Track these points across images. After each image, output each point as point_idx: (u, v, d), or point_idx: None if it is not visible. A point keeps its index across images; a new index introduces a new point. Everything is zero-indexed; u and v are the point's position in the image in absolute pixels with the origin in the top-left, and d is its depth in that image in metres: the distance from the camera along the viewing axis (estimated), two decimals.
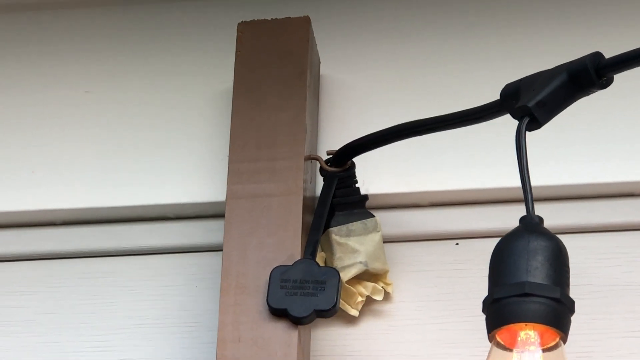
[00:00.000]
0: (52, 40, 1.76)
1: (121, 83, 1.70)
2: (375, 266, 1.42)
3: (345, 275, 1.39)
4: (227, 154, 1.50)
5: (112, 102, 1.69)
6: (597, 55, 1.22)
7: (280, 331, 1.34)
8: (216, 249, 1.49)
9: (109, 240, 1.60)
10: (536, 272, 1.16)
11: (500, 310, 1.15)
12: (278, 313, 1.34)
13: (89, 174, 1.63)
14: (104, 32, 1.78)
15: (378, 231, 1.45)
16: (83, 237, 1.61)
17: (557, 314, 1.15)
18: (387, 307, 1.45)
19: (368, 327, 1.45)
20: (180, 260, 1.55)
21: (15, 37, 1.79)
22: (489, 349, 1.17)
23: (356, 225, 1.45)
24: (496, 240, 1.20)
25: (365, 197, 1.50)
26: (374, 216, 1.47)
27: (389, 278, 1.45)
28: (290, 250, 1.40)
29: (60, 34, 1.77)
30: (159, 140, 1.63)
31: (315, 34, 1.60)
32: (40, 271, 1.61)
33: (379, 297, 1.43)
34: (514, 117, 1.23)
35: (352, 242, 1.43)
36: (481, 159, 1.52)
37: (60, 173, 1.65)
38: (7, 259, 1.63)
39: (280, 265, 1.36)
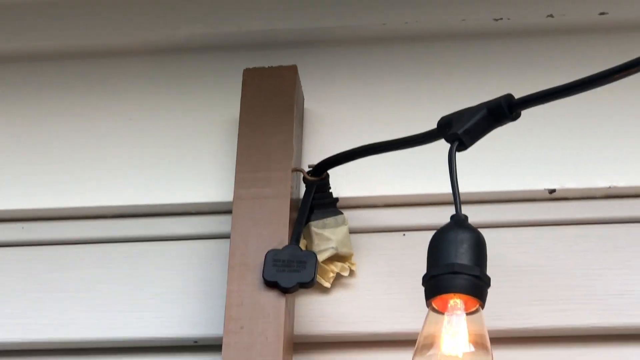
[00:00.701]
0: (107, 83, 1.72)
1: (156, 113, 1.68)
2: (343, 250, 1.44)
3: (321, 257, 1.41)
4: (235, 167, 1.50)
5: (149, 127, 1.67)
6: (509, 96, 1.24)
7: (273, 298, 1.36)
8: (225, 236, 1.48)
9: (147, 230, 1.60)
10: (462, 256, 1.19)
11: (435, 284, 1.18)
12: (271, 285, 1.36)
13: (133, 180, 1.62)
14: (145, 76, 1.74)
15: (345, 225, 1.47)
16: (128, 227, 1.61)
17: (477, 287, 1.18)
18: (351, 281, 1.46)
19: (337, 295, 1.45)
20: (199, 244, 1.55)
21: (84, 82, 1.74)
22: (426, 313, 1.19)
23: (329, 220, 1.46)
24: (433, 232, 1.22)
25: (336, 199, 1.51)
26: (342, 213, 1.48)
27: (353, 260, 1.46)
28: (281, 238, 1.41)
29: (110, 79, 1.74)
30: (184, 156, 1.63)
31: (300, 78, 1.59)
32: (94, 253, 1.60)
33: (345, 274, 1.44)
34: (447, 141, 1.24)
35: (326, 232, 1.45)
36: (422, 171, 1.50)
37: (113, 179, 1.63)
38: (69, 243, 1.60)
39: (273, 249, 1.37)
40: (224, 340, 1.34)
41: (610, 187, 1.50)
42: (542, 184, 1.52)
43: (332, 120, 1.62)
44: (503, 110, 1.24)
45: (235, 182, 1.48)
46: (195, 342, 1.46)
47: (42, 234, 1.62)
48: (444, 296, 1.19)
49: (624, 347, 1.42)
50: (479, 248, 1.21)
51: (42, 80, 1.76)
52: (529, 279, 1.44)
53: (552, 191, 1.50)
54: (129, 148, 1.66)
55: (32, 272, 1.59)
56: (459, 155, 1.23)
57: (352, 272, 1.45)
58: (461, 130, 1.23)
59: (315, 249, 1.43)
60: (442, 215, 1.27)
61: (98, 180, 1.65)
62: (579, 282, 1.43)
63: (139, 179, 1.63)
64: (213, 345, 1.43)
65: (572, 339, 1.42)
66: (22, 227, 1.62)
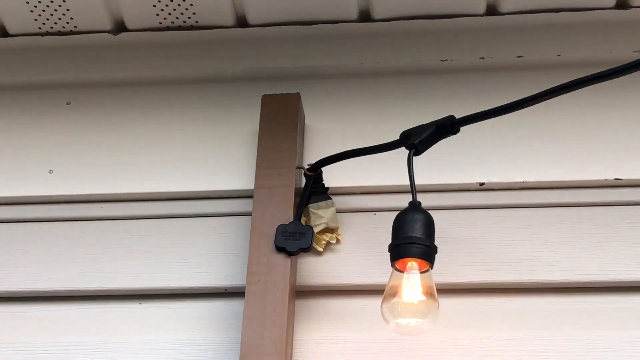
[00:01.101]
0: (161, 108, 1.77)
1: (199, 126, 1.72)
2: (332, 225, 1.54)
3: (316, 229, 1.51)
4: (255, 165, 1.57)
5: (194, 136, 1.71)
6: (452, 117, 1.35)
7: (281, 259, 1.45)
8: (248, 214, 1.56)
9: (192, 209, 1.65)
10: (417, 231, 1.29)
11: (398, 251, 1.30)
12: (280, 249, 1.46)
13: (181, 174, 1.67)
14: (191, 98, 1.77)
15: (334, 207, 1.56)
16: (179, 207, 1.66)
17: (428, 254, 1.30)
18: (338, 247, 1.55)
19: (327, 257, 1.55)
20: (229, 220, 1.61)
21: (151, 105, 1.77)
22: (391, 271, 1.32)
23: (322, 203, 1.55)
24: (396, 213, 1.34)
25: (327, 188, 1.58)
26: (331, 198, 1.57)
27: (339, 232, 1.55)
28: (288, 216, 1.50)
29: (168, 102, 1.77)
30: (219, 156, 1.67)
31: (302, 102, 1.65)
32: (154, 227, 1.65)
33: (333, 242, 1.54)
34: (407, 148, 1.36)
35: (320, 212, 1.54)
36: (388, 169, 1.55)
37: (169, 173, 1.68)
38: (136, 218, 1.66)
39: (282, 224, 1.48)
40: (246, 288, 1.43)
41: (523, 181, 1.58)
42: (475, 179, 1.60)
43: (325, 132, 1.69)
44: (447, 127, 1.35)
45: (255, 175, 1.56)
46: (226, 290, 1.54)
47: (117, 211, 1.67)
48: (404, 260, 1.31)
49: (532, 298, 1.51)
50: (429, 225, 1.32)
51: (124, 102, 1.77)
52: (465, 247, 1.53)
53: (482, 184, 1.59)
54: (179, 151, 1.70)
55: (108, 239, 1.64)
56: (415, 158, 1.35)
57: (338, 241, 1.55)
58: (417, 141, 1.34)
59: (312, 224, 1.53)
60: (403, 201, 1.38)
61: (157, 174, 1.68)
62: (500, 250, 1.53)
63: (186, 173, 1.67)
64: (238, 292, 1.51)
65: (495, 290, 1.52)
66: (102, 207, 1.66)
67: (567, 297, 1.52)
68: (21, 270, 1.64)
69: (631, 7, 1.70)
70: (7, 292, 1.62)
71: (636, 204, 1.58)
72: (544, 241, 1.55)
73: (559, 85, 1.27)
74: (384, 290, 1.39)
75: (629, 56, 1.57)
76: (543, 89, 1.29)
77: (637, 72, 1.20)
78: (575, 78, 1.25)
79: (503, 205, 1.59)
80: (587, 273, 1.52)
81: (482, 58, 1.71)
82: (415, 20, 1.75)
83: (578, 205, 1.59)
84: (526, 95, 1.32)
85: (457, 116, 1.37)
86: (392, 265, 1.34)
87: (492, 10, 1.73)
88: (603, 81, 1.23)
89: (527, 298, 1.52)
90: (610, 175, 1.58)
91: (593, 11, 1.71)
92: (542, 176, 1.60)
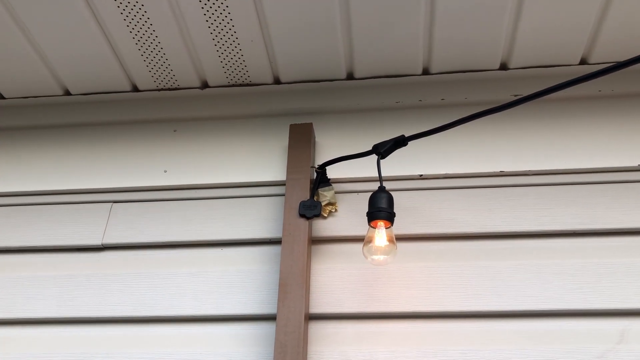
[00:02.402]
0: (231, 135, 1.67)
1: (256, 142, 1.64)
2: (332, 201, 1.50)
3: (323, 204, 1.48)
4: (286, 166, 1.52)
5: (253, 150, 1.63)
6: (403, 135, 1.33)
7: (302, 221, 1.42)
8: (282, 195, 1.53)
9: (247, 192, 1.57)
10: (383, 203, 1.29)
11: (372, 215, 1.29)
12: (302, 216, 1.43)
13: (241, 172, 1.60)
14: (254, 131, 1.68)
15: (333, 190, 1.51)
16: (243, 191, 1.57)
17: (390, 217, 1.29)
18: (336, 214, 1.50)
19: (330, 220, 1.49)
20: (270, 199, 1.54)
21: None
22: (367, 228, 1.31)
23: (326, 188, 1.51)
24: (370, 193, 1.32)
25: (329, 179, 1.53)
26: (332, 185, 1.52)
27: (337, 205, 1.51)
28: (306, 195, 1.46)
29: (231, 133, 1.68)
30: (264, 160, 1.59)
31: (314, 127, 1.61)
32: (218, 205, 1.57)
33: (334, 211, 1.50)
34: (377, 155, 1.34)
35: (325, 193, 1.50)
36: (366, 167, 1.47)
37: (230, 170, 1.61)
38: (209, 198, 1.58)
39: (303, 200, 1.45)
40: (282, 239, 1.40)
41: (446, 173, 1.52)
42: (416, 172, 1.54)
43: (327, 146, 1.62)
44: (400, 142, 1.34)
45: (287, 172, 1.51)
46: (270, 240, 1.49)
47: (212, 194, 1.58)
48: (376, 221, 1.30)
49: (452, 243, 1.45)
50: (390, 200, 1.31)
51: (209, 131, 1.69)
52: (410, 213, 1.49)
53: (421, 175, 1.54)
54: (244, 159, 1.62)
55: (203, 208, 1.56)
56: (383, 161, 1.35)
57: (336, 210, 1.51)
58: (382, 150, 1.33)
59: (321, 200, 1.50)
60: (374, 186, 1.37)
61: (231, 171, 1.60)
62: (431, 215, 1.49)
63: (247, 171, 1.60)
64: (277, 241, 1.48)
65: (429, 238, 1.46)
66: (196, 192, 1.59)
67: (476, 242, 1.46)
68: None
69: (509, 68, 1.64)
70: None
71: (514, 186, 1.52)
72: (458, 208, 1.50)
73: (468, 116, 1.25)
74: (360, 239, 1.42)
75: (508, 98, 1.57)
76: (456, 119, 1.27)
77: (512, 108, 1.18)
78: (476, 111, 1.24)
79: (433, 187, 1.54)
80: (485, 227, 1.46)
81: (420, 100, 1.66)
82: (380, 79, 1.69)
83: (477, 187, 1.53)
84: (447, 123, 1.29)
85: (406, 135, 1.35)
86: (369, 224, 1.32)
87: (426, 72, 1.68)
88: (498, 112, 1.21)
89: (449, 243, 1.47)
90: (496, 168, 1.53)
91: (485, 72, 1.66)
92: (457, 170, 1.54)
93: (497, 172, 1.52)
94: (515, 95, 1.59)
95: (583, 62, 1.60)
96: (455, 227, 1.46)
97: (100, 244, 1.54)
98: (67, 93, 1.76)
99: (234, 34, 1.52)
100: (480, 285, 1.38)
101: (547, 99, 1.54)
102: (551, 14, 1.45)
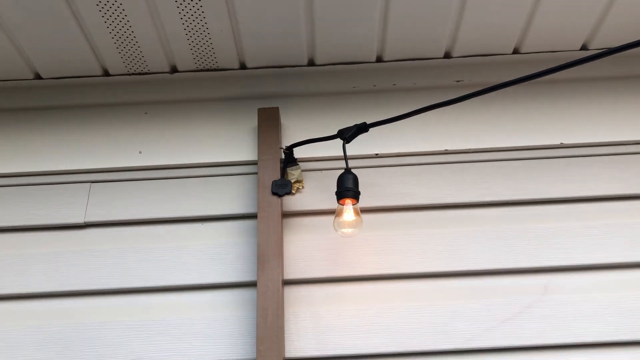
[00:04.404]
0: (201, 117, 1.69)
1: (226, 124, 1.66)
2: (300, 179, 1.57)
3: (292, 181, 1.54)
4: (257, 146, 1.58)
5: (225, 131, 1.65)
6: (364, 123, 1.41)
7: (275, 199, 1.49)
8: (254, 173, 1.59)
9: (222, 171, 1.60)
10: (350, 183, 1.39)
11: (340, 194, 1.39)
12: (274, 193, 1.50)
13: (216, 150, 1.62)
14: (220, 114, 1.70)
15: (300, 168, 1.57)
16: (219, 170, 1.61)
17: (356, 195, 1.38)
18: (303, 191, 1.57)
19: (297, 196, 1.57)
20: (245, 177, 1.59)
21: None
22: (337, 205, 1.41)
23: (294, 167, 1.57)
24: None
25: (296, 159, 1.59)
26: (299, 164, 1.58)
27: (304, 183, 1.58)
28: (277, 175, 1.53)
29: (200, 115, 1.70)
30: (238, 140, 1.63)
31: (280, 111, 1.65)
32: (203, 182, 1.60)
33: (301, 188, 1.57)
34: (342, 139, 1.41)
35: (293, 171, 1.57)
36: (332, 148, 1.55)
37: (205, 149, 1.64)
38: (186, 177, 1.61)
39: (274, 179, 1.52)
40: (258, 214, 1.48)
41: (398, 152, 1.61)
42: (372, 151, 1.62)
43: (292, 128, 1.67)
44: (363, 127, 1.42)
45: (258, 153, 1.57)
46: (244, 215, 1.55)
47: (191, 173, 1.62)
48: (344, 199, 1.39)
49: (407, 213, 1.55)
50: (356, 180, 1.40)
51: (180, 114, 1.70)
52: (370, 189, 1.57)
53: (377, 154, 1.61)
54: (216, 139, 1.65)
55: (180, 186, 1.61)
56: (348, 145, 1.43)
57: (303, 187, 1.58)
58: (347, 135, 1.41)
59: (290, 178, 1.56)
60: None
61: (205, 152, 1.63)
62: (388, 188, 1.57)
63: (220, 151, 1.63)
64: (252, 216, 1.55)
65: (385, 210, 1.55)
66: (172, 171, 1.62)
67: (426, 213, 1.56)
68: None
69: (452, 57, 1.73)
70: None
71: (457, 162, 1.61)
72: (410, 183, 1.58)
73: (427, 107, 1.34)
74: (326, 212, 1.53)
75: (452, 84, 1.71)
76: (412, 109, 1.36)
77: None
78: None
79: (388, 165, 1.62)
80: (434, 199, 1.56)
81: (374, 85, 1.72)
82: (339, 65, 1.75)
83: (426, 164, 1.61)
84: (404, 113, 1.38)
85: (368, 122, 1.43)
86: (338, 202, 1.42)
87: (379, 59, 1.74)
88: (454, 104, 1.30)
89: (403, 214, 1.56)
90: (442, 147, 1.62)
91: (431, 60, 1.74)
92: (408, 149, 1.63)
93: (442, 150, 1.63)
94: (458, 81, 1.73)
95: (516, 52, 1.74)
96: (407, 200, 1.56)
97: (82, 222, 1.57)
98: (38, 77, 1.76)
99: (204, 23, 1.55)
100: (430, 250, 1.51)
101: (488, 83, 1.56)
102: (487, 13, 1.57)
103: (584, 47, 1.73)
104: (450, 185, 1.59)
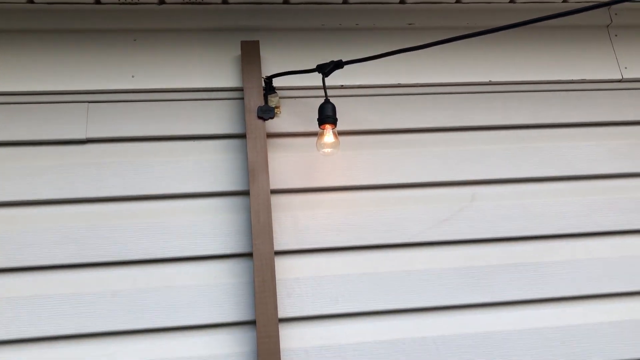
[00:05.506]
0: (188, 45, 1.74)
1: (212, 53, 1.73)
2: (278, 105, 1.70)
3: (273, 106, 1.66)
4: (241, 73, 1.67)
5: (212, 58, 1.72)
6: (341, 60, 1.55)
7: (260, 122, 1.64)
8: (236, 98, 1.68)
9: (215, 95, 1.69)
10: (329, 111, 1.55)
11: (321, 120, 1.55)
12: (260, 117, 1.64)
13: (210, 77, 1.70)
14: (206, 43, 1.76)
15: (278, 96, 1.70)
16: (207, 94, 1.70)
17: (334, 121, 1.54)
18: (281, 116, 1.71)
19: (276, 120, 1.70)
20: (225, 102, 1.67)
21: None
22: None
23: (273, 95, 1.70)
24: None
25: (274, 87, 1.70)
26: (276, 92, 1.71)
27: (281, 108, 1.70)
28: (261, 102, 1.66)
29: (186, 44, 1.76)
30: (223, 69, 1.71)
31: (260, 44, 1.75)
32: (193, 105, 1.70)
33: (279, 112, 1.70)
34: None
35: (272, 98, 1.70)
36: (312, 78, 1.64)
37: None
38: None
39: (259, 105, 1.66)
40: (247, 135, 1.61)
41: (360, 84, 1.74)
42: (338, 82, 1.73)
43: (271, 60, 1.76)
44: (339, 64, 1.55)
45: (243, 82, 1.68)
46: (231, 135, 1.66)
47: (181, 97, 1.69)
48: (325, 125, 1.56)
49: (370, 136, 1.70)
50: (334, 108, 1.55)
51: (168, 43, 1.76)
52: (347, 117, 1.68)
53: (342, 85, 1.73)
54: (202, 67, 1.72)
55: (166, 111, 1.70)
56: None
57: (280, 113, 1.71)
58: (326, 70, 1.56)
59: (270, 104, 1.70)
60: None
61: (191, 76, 1.69)
62: (352, 115, 1.71)
63: (206, 76, 1.69)
64: (237, 136, 1.66)
65: (361, 133, 1.71)
66: (160, 95, 1.70)
67: (382, 136, 1.73)
68: None
69: (406, 3, 1.87)
70: None
71: (409, 94, 1.77)
72: (369, 111, 1.75)
73: (406, 48, 1.49)
74: (302, 134, 1.69)
75: (406, 26, 1.87)
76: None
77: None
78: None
79: (352, 95, 1.77)
80: (390, 125, 1.72)
81: (340, 24, 1.84)
82: (310, 5, 1.86)
83: (383, 95, 1.75)
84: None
85: (344, 59, 1.58)
86: (319, 127, 1.61)
87: (345, 1, 1.87)
88: (427, 47, 1.46)
89: (363, 137, 1.73)
90: (396, 81, 1.78)
91: (388, 4, 1.87)
92: (368, 82, 1.78)
93: (396, 83, 1.80)
94: (410, 24, 1.89)
95: (458, 1, 1.95)
96: (367, 125, 1.75)
97: (84, 137, 1.66)
98: (31, 1, 1.77)
99: None
100: (383, 165, 1.71)
101: (435, 27, 1.85)
102: None
103: None
104: (403, 114, 1.77)
